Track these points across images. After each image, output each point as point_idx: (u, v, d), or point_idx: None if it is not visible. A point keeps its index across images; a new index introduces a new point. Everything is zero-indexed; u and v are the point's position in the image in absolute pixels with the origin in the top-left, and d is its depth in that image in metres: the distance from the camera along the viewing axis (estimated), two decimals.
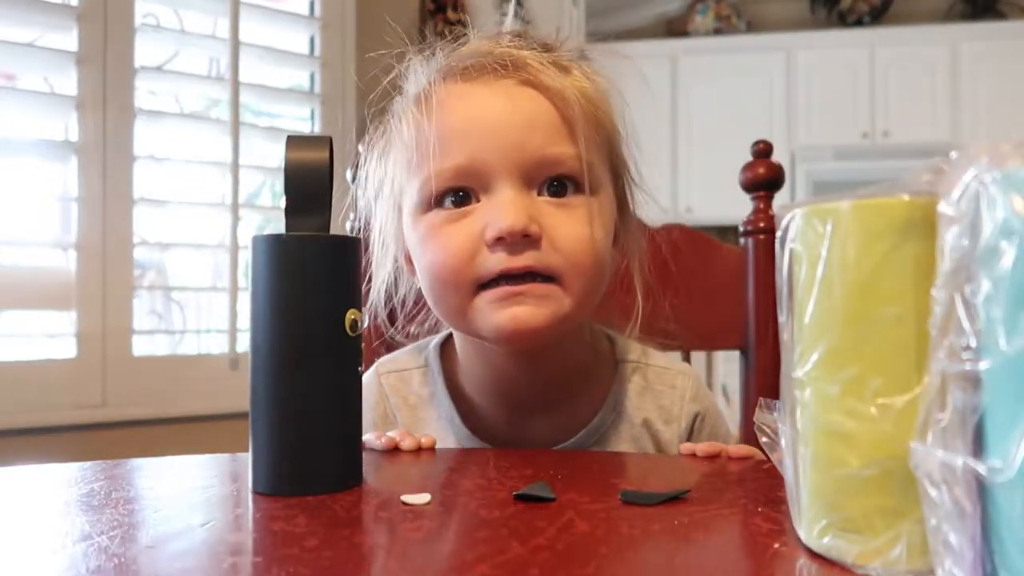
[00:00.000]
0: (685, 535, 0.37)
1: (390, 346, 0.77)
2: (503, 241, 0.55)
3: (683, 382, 0.69)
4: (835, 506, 0.33)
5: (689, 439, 0.68)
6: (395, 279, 0.68)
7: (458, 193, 0.58)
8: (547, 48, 0.62)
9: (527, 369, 0.63)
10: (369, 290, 0.70)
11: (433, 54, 0.63)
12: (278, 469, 0.45)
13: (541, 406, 0.66)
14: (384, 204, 0.65)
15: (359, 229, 0.71)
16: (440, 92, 0.59)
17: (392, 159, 0.64)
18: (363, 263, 0.66)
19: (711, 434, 0.69)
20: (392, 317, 0.72)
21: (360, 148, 0.70)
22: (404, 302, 0.69)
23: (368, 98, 0.66)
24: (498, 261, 0.55)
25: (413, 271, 0.65)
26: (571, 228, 0.57)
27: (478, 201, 0.58)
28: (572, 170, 0.58)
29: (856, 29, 3.86)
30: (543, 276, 0.56)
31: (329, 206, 0.47)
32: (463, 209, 0.58)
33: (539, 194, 0.58)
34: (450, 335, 0.69)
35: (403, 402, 0.67)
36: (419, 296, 0.67)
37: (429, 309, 0.66)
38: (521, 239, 0.55)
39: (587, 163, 0.58)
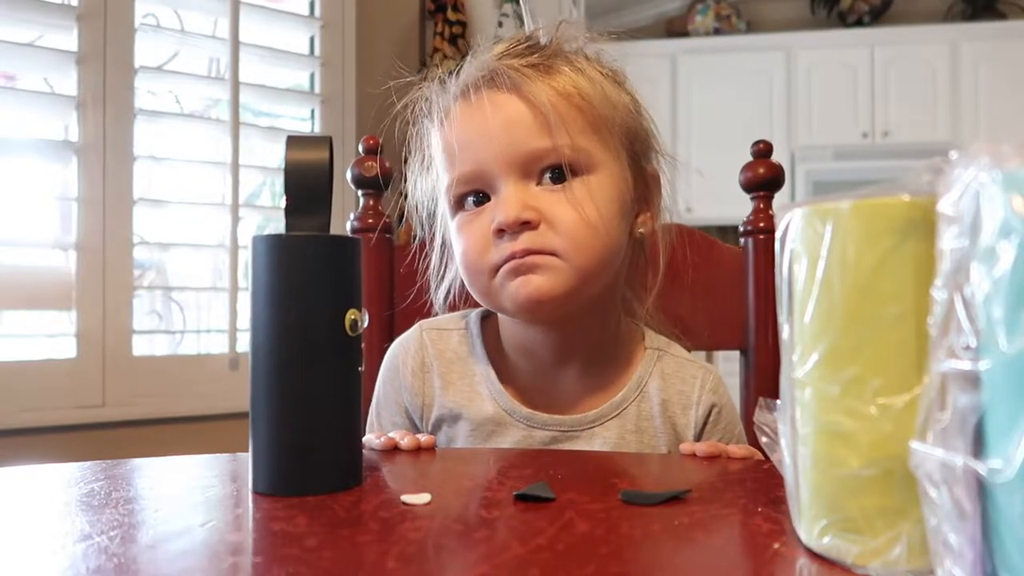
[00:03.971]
0: (685, 535, 0.37)
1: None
2: (504, 232, 0.63)
3: (704, 374, 0.72)
4: (835, 506, 0.33)
5: (703, 429, 0.71)
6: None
7: (477, 195, 0.66)
8: (537, 50, 0.69)
9: (554, 339, 0.70)
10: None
11: (445, 79, 0.71)
12: (278, 469, 0.45)
13: (570, 375, 0.71)
14: (443, 211, 0.73)
15: (421, 239, 0.79)
16: (451, 111, 0.69)
17: (437, 176, 0.72)
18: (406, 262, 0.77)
19: (726, 430, 0.71)
20: (453, 310, 0.78)
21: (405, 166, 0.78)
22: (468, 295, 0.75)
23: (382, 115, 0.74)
24: (504, 248, 0.63)
25: None
26: (565, 209, 0.63)
27: (490, 200, 0.65)
28: (560, 158, 0.64)
29: (856, 29, 3.86)
30: (543, 254, 0.62)
31: (329, 206, 0.47)
32: (479, 208, 0.66)
33: (539, 183, 0.64)
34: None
35: (440, 355, 0.73)
36: None
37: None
38: (520, 227, 0.62)
39: (570, 149, 0.64)
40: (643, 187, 0.71)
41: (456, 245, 0.68)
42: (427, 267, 0.78)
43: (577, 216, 0.63)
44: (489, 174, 0.64)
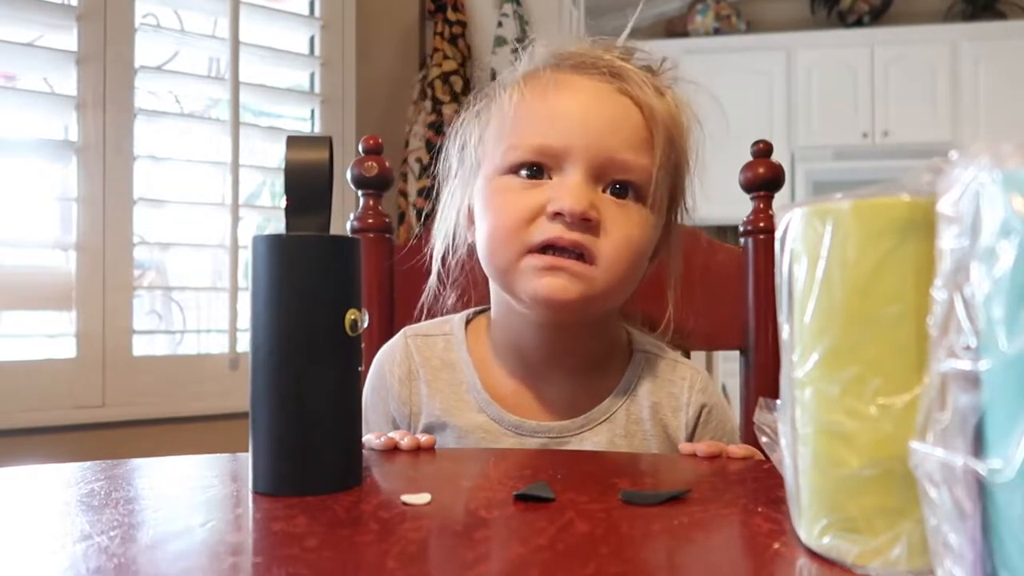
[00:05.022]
0: (685, 535, 0.37)
1: None
2: (561, 217, 0.61)
3: (693, 375, 0.72)
4: (835, 506, 0.33)
5: (695, 431, 0.70)
6: (453, 236, 0.73)
7: (533, 167, 0.64)
8: (649, 70, 0.69)
9: (547, 342, 0.69)
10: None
11: (550, 43, 0.69)
12: (278, 469, 0.45)
13: (558, 379, 0.70)
14: (466, 158, 0.71)
15: (438, 182, 0.77)
16: (546, 75, 0.66)
17: (487, 121, 0.70)
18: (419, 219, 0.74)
19: (717, 428, 0.71)
20: (447, 273, 0.76)
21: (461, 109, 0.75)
22: (456, 252, 0.74)
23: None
24: (551, 230, 0.61)
25: (471, 225, 0.70)
26: (623, 225, 0.63)
27: (549, 178, 0.64)
28: (638, 179, 0.64)
29: (856, 29, 3.85)
30: (586, 257, 0.61)
31: (329, 206, 0.47)
32: (533, 181, 0.64)
33: (604, 190, 0.64)
34: (476, 313, 0.75)
35: (426, 362, 0.72)
36: (466, 264, 0.72)
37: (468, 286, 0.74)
38: (580, 221, 0.61)
39: (653, 177, 0.63)
40: (664, 235, 0.71)
41: (488, 209, 0.65)
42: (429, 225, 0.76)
43: (631, 236, 0.63)
44: (565, 155, 0.62)
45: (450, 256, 0.74)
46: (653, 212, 0.65)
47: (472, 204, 0.70)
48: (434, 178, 0.77)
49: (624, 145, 0.63)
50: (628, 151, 0.63)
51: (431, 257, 0.75)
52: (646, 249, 0.66)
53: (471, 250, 0.71)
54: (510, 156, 0.64)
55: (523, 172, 0.64)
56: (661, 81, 0.69)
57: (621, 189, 0.64)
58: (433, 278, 0.76)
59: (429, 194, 0.76)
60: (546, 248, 0.61)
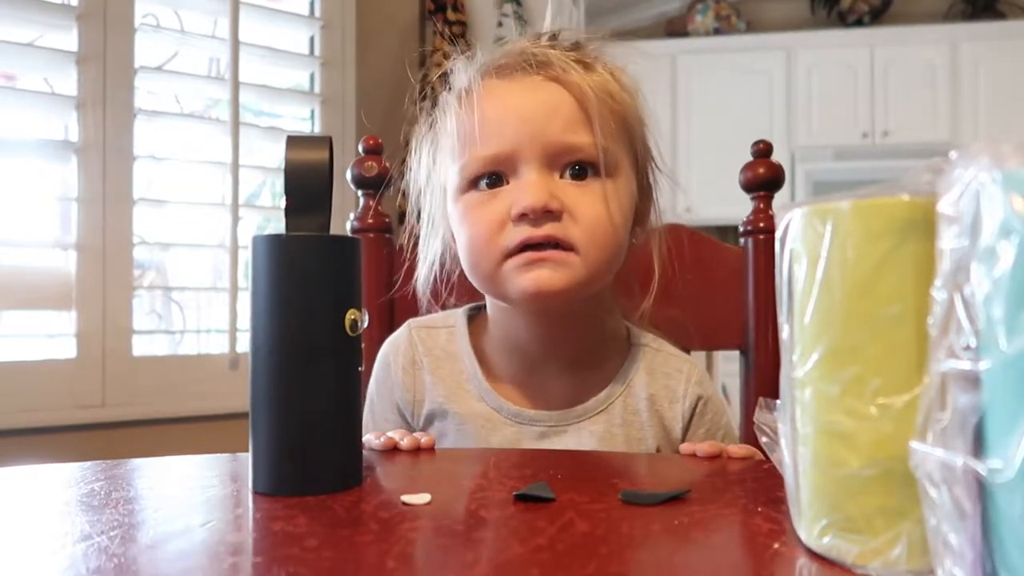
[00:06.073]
0: (685, 535, 0.37)
1: None
2: (526, 216, 0.62)
3: (689, 368, 0.73)
4: (835, 506, 0.33)
5: (691, 422, 0.71)
6: (443, 257, 0.75)
7: (491, 176, 0.65)
8: (575, 47, 0.69)
9: (541, 335, 0.70)
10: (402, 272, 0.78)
11: (474, 55, 0.71)
12: (278, 469, 0.45)
13: (556, 372, 0.71)
14: (433, 188, 0.73)
15: (411, 213, 0.78)
16: (477, 89, 0.67)
17: (438, 147, 0.71)
18: (408, 247, 0.78)
19: (712, 421, 0.72)
20: (436, 296, 0.77)
21: (411, 140, 0.77)
22: (448, 278, 0.75)
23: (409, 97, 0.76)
24: (521, 232, 0.62)
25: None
26: (588, 205, 0.64)
27: (507, 183, 0.65)
28: (589, 156, 0.64)
29: (856, 29, 3.85)
30: (563, 246, 0.63)
31: (329, 206, 0.47)
32: (494, 191, 0.65)
33: (561, 176, 0.65)
34: (478, 307, 0.76)
35: (429, 352, 0.73)
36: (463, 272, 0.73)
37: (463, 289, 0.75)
38: (543, 214, 0.62)
39: (603, 149, 0.64)
40: (643, 199, 0.72)
41: (461, 226, 0.67)
42: (413, 252, 0.77)
43: (599, 213, 0.64)
44: (515, 157, 0.64)
45: (440, 282, 0.75)
46: (617, 181, 0.66)
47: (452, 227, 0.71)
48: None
49: (564, 129, 0.64)
50: (569, 133, 0.64)
51: (419, 280, 0.77)
52: (622, 220, 0.66)
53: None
54: (465, 173, 0.66)
55: (483, 184, 0.66)
56: (587, 54, 0.69)
57: (579, 170, 0.64)
58: (423, 299, 0.77)
59: None
60: (522, 248, 0.63)
